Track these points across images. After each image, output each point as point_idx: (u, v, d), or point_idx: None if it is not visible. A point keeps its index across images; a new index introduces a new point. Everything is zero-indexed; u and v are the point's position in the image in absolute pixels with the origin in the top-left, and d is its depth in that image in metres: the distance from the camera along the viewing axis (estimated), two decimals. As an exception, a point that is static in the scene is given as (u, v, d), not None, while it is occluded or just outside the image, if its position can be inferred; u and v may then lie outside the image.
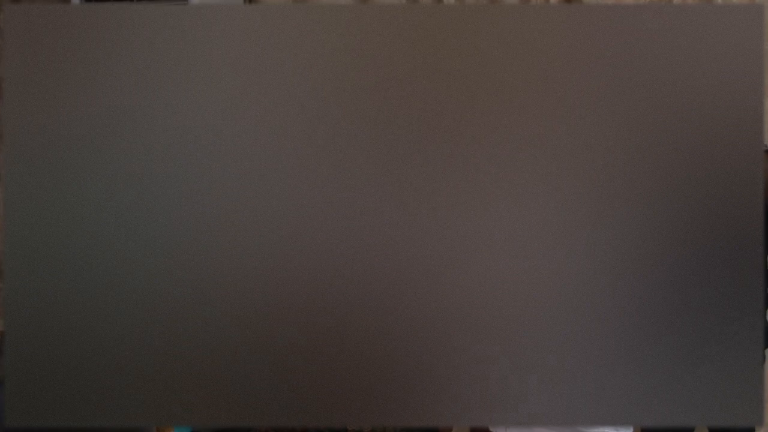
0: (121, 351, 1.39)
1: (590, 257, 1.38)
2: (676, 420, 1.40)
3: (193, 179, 1.39)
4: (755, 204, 1.38)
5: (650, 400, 1.39)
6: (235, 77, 1.38)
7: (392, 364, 1.38)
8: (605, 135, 1.38)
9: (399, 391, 1.38)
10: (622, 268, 1.38)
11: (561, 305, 1.39)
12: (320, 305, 1.39)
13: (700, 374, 1.39)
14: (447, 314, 1.38)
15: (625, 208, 1.38)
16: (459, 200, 1.38)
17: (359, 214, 1.38)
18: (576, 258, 1.38)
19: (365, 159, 1.38)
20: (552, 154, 1.38)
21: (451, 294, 1.38)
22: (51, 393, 1.39)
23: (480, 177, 1.38)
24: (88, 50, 1.39)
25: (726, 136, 1.38)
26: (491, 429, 1.90)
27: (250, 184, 1.38)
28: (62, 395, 1.39)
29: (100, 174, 1.39)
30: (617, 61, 1.38)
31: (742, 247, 1.38)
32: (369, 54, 1.38)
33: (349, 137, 1.38)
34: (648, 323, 1.39)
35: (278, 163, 1.38)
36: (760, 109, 1.38)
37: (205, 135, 1.39)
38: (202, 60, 1.38)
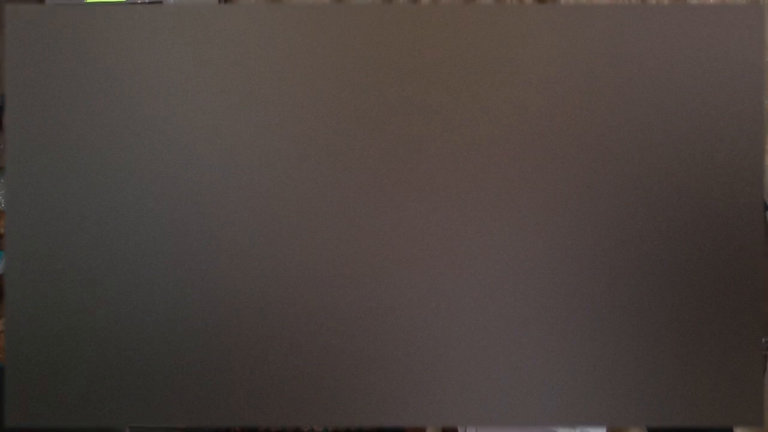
0: (121, 351, 1.39)
1: (587, 257, 1.38)
2: (676, 420, 1.40)
3: (192, 179, 1.39)
4: (755, 204, 1.38)
5: (650, 399, 1.39)
6: (231, 76, 1.39)
7: (382, 363, 1.39)
8: (605, 135, 1.38)
9: (392, 390, 1.39)
10: (619, 267, 1.38)
11: (556, 306, 1.39)
12: (317, 305, 1.39)
13: (700, 374, 1.39)
14: (425, 315, 1.38)
15: (623, 208, 1.38)
16: (447, 200, 1.38)
17: (352, 214, 1.38)
18: (572, 258, 1.38)
19: (360, 158, 1.38)
20: (550, 154, 1.38)
21: (435, 295, 1.38)
22: (51, 393, 1.39)
23: (475, 179, 1.38)
24: (87, 50, 1.39)
25: (726, 136, 1.38)
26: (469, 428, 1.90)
27: (246, 183, 1.38)
28: (62, 395, 1.39)
29: (99, 173, 1.39)
30: (617, 60, 1.38)
31: (742, 247, 1.38)
32: (352, 54, 1.38)
33: (335, 137, 1.38)
34: (647, 323, 1.39)
35: (273, 163, 1.38)
36: (760, 109, 1.38)
37: (199, 133, 1.39)
38: (200, 60, 1.38)
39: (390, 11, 1.38)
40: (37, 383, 1.39)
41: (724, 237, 1.38)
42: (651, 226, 1.38)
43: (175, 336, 1.39)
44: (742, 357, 1.39)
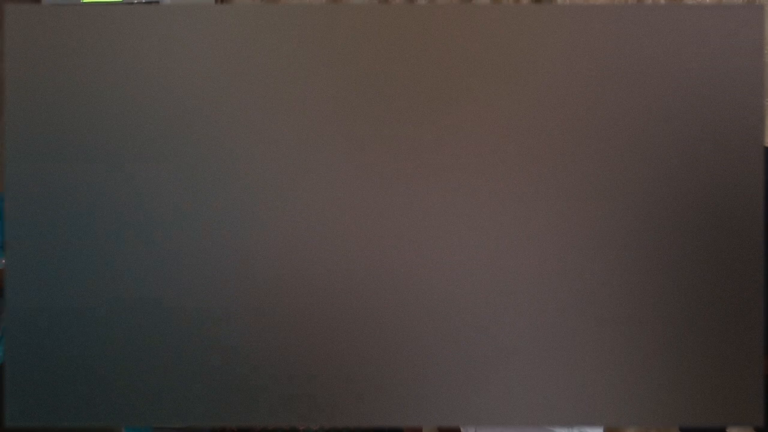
0: (120, 351, 1.39)
1: (585, 258, 1.38)
2: (677, 420, 1.40)
3: (191, 177, 1.39)
4: (755, 204, 1.38)
5: (649, 399, 1.39)
6: (229, 75, 1.39)
7: (380, 364, 1.39)
8: (603, 135, 1.38)
9: (390, 390, 1.38)
10: (618, 267, 1.38)
11: (554, 306, 1.39)
12: (314, 305, 1.39)
13: (700, 374, 1.39)
14: (423, 313, 1.38)
15: (621, 207, 1.38)
16: (442, 201, 1.38)
17: (351, 214, 1.38)
18: (570, 259, 1.38)
19: (350, 160, 1.38)
20: (548, 154, 1.38)
21: (428, 293, 1.38)
22: (51, 393, 1.39)
23: (475, 180, 1.38)
24: (88, 50, 1.39)
25: (726, 136, 1.38)
26: (463, 428, 1.90)
27: (244, 181, 1.38)
28: (62, 395, 1.39)
29: (100, 173, 1.39)
30: (616, 60, 1.38)
31: (742, 247, 1.38)
32: (350, 54, 1.38)
33: (333, 137, 1.38)
34: (646, 322, 1.39)
35: (271, 163, 1.38)
36: (760, 109, 1.38)
37: (198, 132, 1.39)
38: (199, 59, 1.38)
39: (387, 11, 1.38)
40: (37, 383, 1.39)
41: (724, 236, 1.38)
42: (650, 225, 1.38)
43: (175, 336, 1.39)
44: (742, 357, 1.39)
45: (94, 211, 1.39)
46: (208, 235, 1.39)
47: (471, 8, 1.38)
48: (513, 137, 1.38)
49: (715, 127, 1.38)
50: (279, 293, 1.39)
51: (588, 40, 1.38)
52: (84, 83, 1.39)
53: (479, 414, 1.39)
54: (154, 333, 1.39)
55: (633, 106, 1.38)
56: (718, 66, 1.38)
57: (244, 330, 1.39)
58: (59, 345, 1.39)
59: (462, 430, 1.93)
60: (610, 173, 1.38)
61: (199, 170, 1.39)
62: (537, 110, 1.38)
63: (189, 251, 1.39)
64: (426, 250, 1.38)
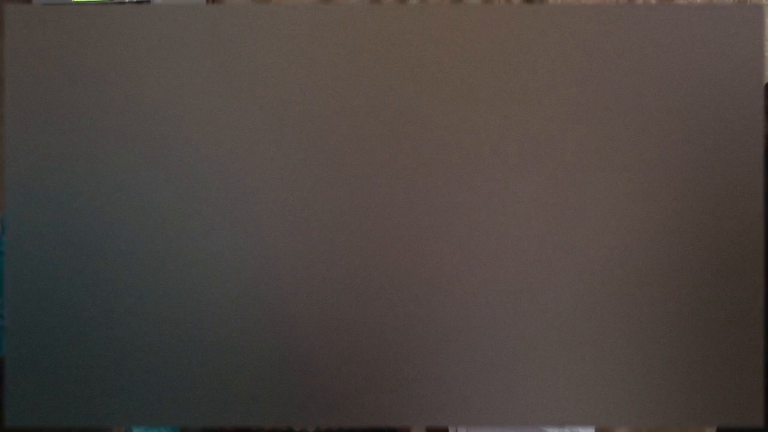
0: (120, 351, 1.39)
1: (582, 257, 1.38)
2: (677, 420, 1.40)
3: (192, 176, 1.39)
4: (755, 204, 1.38)
5: (650, 399, 1.39)
6: (223, 74, 1.39)
7: (375, 365, 1.39)
8: (604, 135, 1.38)
9: (384, 391, 1.38)
10: (617, 267, 1.38)
11: (551, 305, 1.38)
12: (311, 306, 1.39)
13: (701, 374, 1.39)
14: (419, 315, 1.38)
15: (622, 207, 1.38)
16: (440, 201, 1.38)
17: (347, 214, 1.38)
18: (566, 259, 1.38)
19: (347, 160, 1.38)
20: (547, 154, 1.38)
21: (425, 296, 1.38)
22: (51, 393, 1.39)
23: (469, 179, 1.38)
24: (87, 50, 1.39)
25: (726, 136, 1.38)
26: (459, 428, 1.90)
27: (248, 183, 1.38)
28: (62, 395, 1.39)
29: (100, 173, 1.39)
30: (617, 60, 1.38)
31: (742, 246, 1.38)
32: (342, 54, 1.38)
33: (326, 137, 1.38)
34: (645, 323, 1.39)
35: (273, 164, 1.38)
36: (760, 109, 1.38)
37: (195, 131, 1.39)
38: (196, 60, 1.38)
39: (382, 11, 1.38)
40: (37, 383, 1.39)
41: (724, 236, 1.38)
42: (649, 225, 1.38)
43: (174, 336, 1.39)
44: (742, 357, 1.39)
45: (94, 211, 1.39)
46: (207, 235, 1.39)
47: (471, 9, 1.38)
48: (511, 137, 1.38)
49: (715, 126, 1.38)
50: (278, 294, 1.39)
51: (587, 40, 1.38)
52: (83, 82, 1.39)
53: (473, 414, 1.39)
54: (154, 333, 1.39)
55: (632, 106, 1.38)
56: (718, 66, 1.38)
57: (243, 330, 1.39)
58: (59, 345, 1.39)
59: (452, 429, 1.93)
60: (609, 173, 1.38)
61: (199, 170, 1.39)
62: (535, 111, 1.38)
63: (188, 251, 1.39)
64: (422, 251, 1.38)
